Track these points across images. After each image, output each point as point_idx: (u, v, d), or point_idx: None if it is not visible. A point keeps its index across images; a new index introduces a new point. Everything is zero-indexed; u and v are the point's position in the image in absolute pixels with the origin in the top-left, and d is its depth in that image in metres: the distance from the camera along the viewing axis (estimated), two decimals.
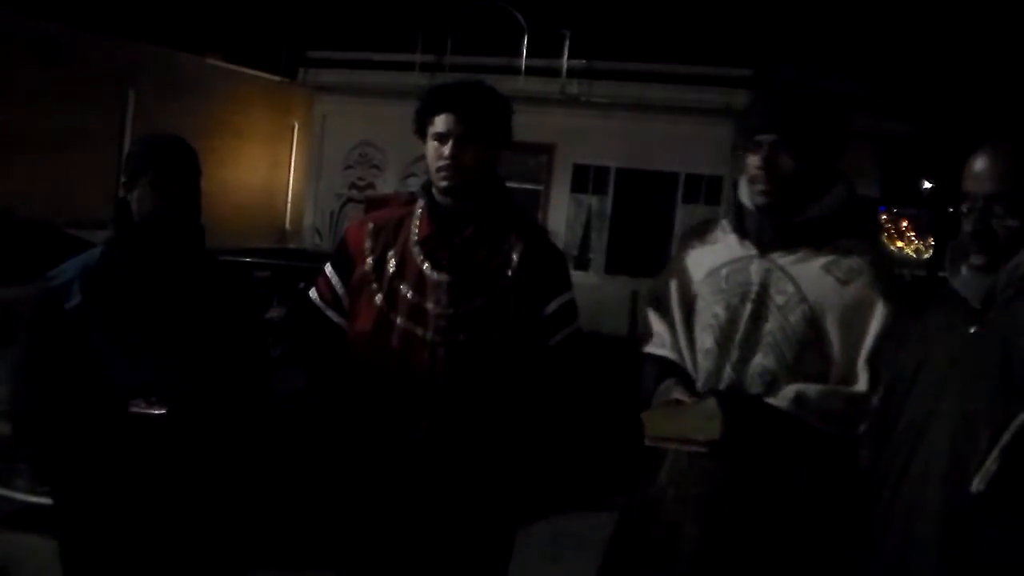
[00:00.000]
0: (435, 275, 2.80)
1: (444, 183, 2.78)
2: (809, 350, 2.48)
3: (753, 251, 2.58)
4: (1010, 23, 18.90)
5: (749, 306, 2.53)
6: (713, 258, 2.64)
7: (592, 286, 14.55)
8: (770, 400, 2.47)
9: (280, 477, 4.94)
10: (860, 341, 2.47)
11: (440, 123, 2.77)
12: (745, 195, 2.61)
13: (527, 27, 15.94)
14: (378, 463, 2.82)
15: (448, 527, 2.79)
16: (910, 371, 2.30)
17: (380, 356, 2.81)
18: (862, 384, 2.45)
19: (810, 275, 2.51)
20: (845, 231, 2.56)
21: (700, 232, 2.77)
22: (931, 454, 2.19)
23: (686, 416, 2.47)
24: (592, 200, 16.21)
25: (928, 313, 2.38)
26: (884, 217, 32.08)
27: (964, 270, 2.28)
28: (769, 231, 2.56)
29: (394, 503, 2.80)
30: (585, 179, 16.23)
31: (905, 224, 39.74)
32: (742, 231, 2.61)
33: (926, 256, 33.73)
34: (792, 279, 2.52)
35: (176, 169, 2.79)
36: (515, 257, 2.82)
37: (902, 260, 36.82)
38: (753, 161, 2.53)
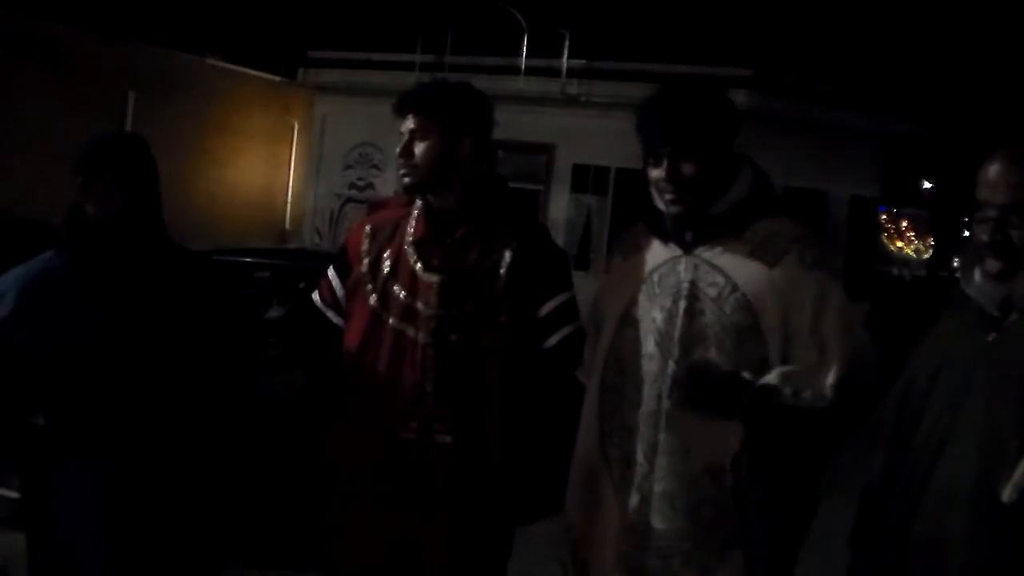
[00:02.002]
0: (426, 276, 2.80)
1: (404, 180, 2.81)
2: (748, 336, 2.52)
3: (678, 251, 2.62)
4: (1011, 23, 18.89)
5: (683, 303, 2.57)
6: (642, 267, 2.68)
7: (591, 286, 14.53)
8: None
9: (277, 476, 4.94)
10: (801, 318, 2.49)
11: (402, 122, 2.81)
12: (657, 200, 2.65)
13: (527, 27, 15.93)
14: (367, 463, 2.81)
15: (441, 526, 2.79)
16: (926, 377, 2.29)
17: (372, 356, 2.81)
18: (811, 359, 2.47)
19: (737, 263, 2.55)
20: (761, 213, 2.60)
21: (625, 242, 2.81)
22: (956, 463, 2.18)
23: (710, 426, 2.48)
24: (592, 200, 16.20)
25: (942, 318, 2.37)
26: (884, 217, 32.06)
27: (978, 276, 2.26)
28: (688, 230, 2.60)
29: (385, 502, 2.79)
30: (585, 179, 16.22)
31: (905, 224, 39.72)
32: (663, 235, 2.65)
33: (926, 256, 33.72)
34: (720, 270, 2.56)
35: (138, 168, 2.73)
36: (508, 257, 2.81)
37: (902, 260, 36.80)
38: (657, 173, 2.58)
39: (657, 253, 2.67)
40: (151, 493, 2.74)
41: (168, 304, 2.75)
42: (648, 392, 2.60)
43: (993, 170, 2.23)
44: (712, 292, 2.56)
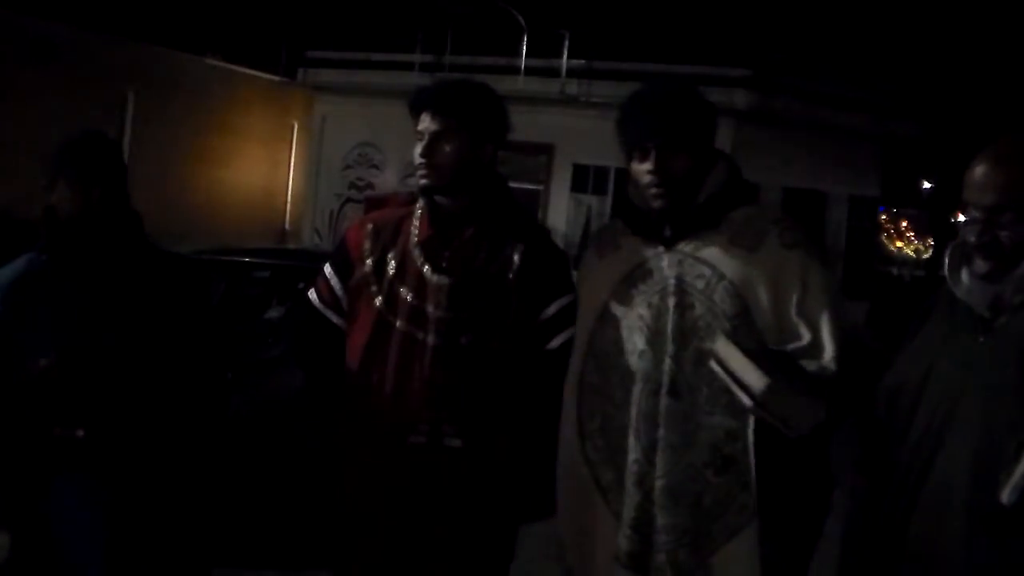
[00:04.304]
0: (435, 278, 2.79)
1: (421, 181, 2.79)
2: (740, 323, 2.53)
3: (659, 248, 2.64)
4: (1011, 23, 18.89)
5: (672, 299, 2.59)
6: (621, 263, 2.69)
7: None
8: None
9: (278, 477, 4.94)
10: (787, 298, 2.52)
11: (419, 122, 2.78)
12: (635, 197, 2.68)
13: (526, 27, 15.93)
14: (377, 466, 2.81)
15: (448, 529, 2.79)
16: (916, 381, 2.27)
17: (380, 359, 2.80)
18: (805, 338, 2.49)
19: (719, 253, 2.57)
20: (736, 203, 2.63)
21: (602, 239, 2.84)
22: (951, 465, 2.17)
23: (797, 402, 2.41)
24: (591, 200, 16.22)
25: (930, 320, 2.36)
26: (884, 217, 32.08)
27: (966, 277, 2.26)
28: (668, 226, 2.62)
29: (394, 505, 2.79)
30: (585, 179, 16.24)
31: (905, 224, 39.76)
32: (642, 231, 2.67)
33: (926, 256, 33.73)
34: (704, 262, 2.58)
35: (93, 169, 2.71)
36: (516, 259, 2.80)
37: (902, 260, 36.82)
38: (644, 167, 2.59)
39: (636, 250, 2.68)
40: (144, 494, 2.74)
41: (142, 303, 2.73)
42: (641, 389, 2.59)
43: (980, 171, 2.21)
44: (700, 284, 2.57)
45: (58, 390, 2.57)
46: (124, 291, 2.70)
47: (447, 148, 2.75)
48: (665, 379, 2.57)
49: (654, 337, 2.59)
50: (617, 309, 2.66)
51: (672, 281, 2.59)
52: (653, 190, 2.59)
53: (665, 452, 2.56)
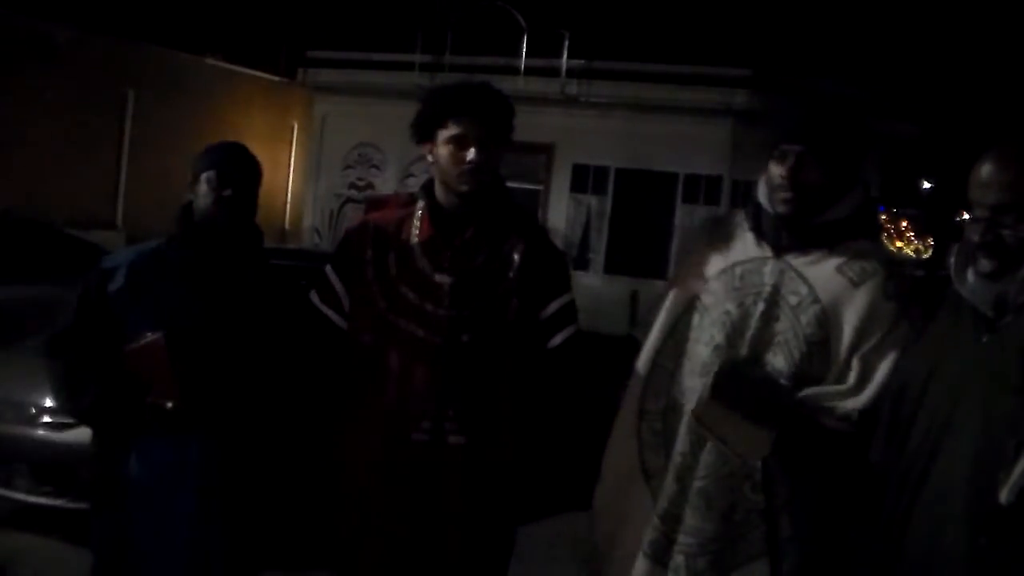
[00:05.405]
0: (436, 277, 2.80)
1: (466, 187, 2.78)
2: (816, 351, 2.50)
3: (768, 252, 2.60)
4: (1011, 24, 18.91)
5: (761, 305, 2.55)
6: (728, 256, 2.67)
7: (591, 286, 14.58)
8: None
9: (279, 477, 4.94)
10: (864, 342, 2.48)
11: (457, 126, 2.77)
12: (764, 197, 2.64)
13: (526, 27, 15.95)
14: (378, 464, 2.82)
15: (448, 528, 2.80)
16: (920, 379, 2.28)
17: (382, 358, 2.81)
18: (849, 382, 2.47)
19: (823, 276, 2.54)
20: (858, 233, 2.59)
21: (717, 228, 2.80)
22: (952, 464, 2.17)
23: (740, 426, 2.44)
24: (591, 200, 16.23)
25: (935, 320, 2.36)
26: (884, 217, 32.05)
27: (971, 277, 2.27)
28: (785, 234, 2.58)
29: (396, 503, 2.80)
30: (584, 179, 16.25)
31: (905, 224, 39.73)
32: (759, 232, 2.64)
33: (926, 256, 33.75)
34: (806, 280, 2.54)
35: (229, 169, 2.88)
36: (516, 258, 2.82)
37: (902, 260, 36.82)
38: (778, 170, 2.56)
39: (747, 247, 2.65)
40: (237, 472, 2.91)
41: (250, 298, 2.92)
42: (706, 383, 2.56)
43: (984, 170, 2.23)
44: (793, 300, 2.54)
45: (158, 363, 2.73)
46: (236, 285, 2.89)
47: (493, 152, 2.79)
48: None
49: (734, 335, 2.56)
50: (709, 298, 2.64)
51: (768, 288, 2.56)
52: (781, 194, 2.55)
53: (711, 453, 2.53)
